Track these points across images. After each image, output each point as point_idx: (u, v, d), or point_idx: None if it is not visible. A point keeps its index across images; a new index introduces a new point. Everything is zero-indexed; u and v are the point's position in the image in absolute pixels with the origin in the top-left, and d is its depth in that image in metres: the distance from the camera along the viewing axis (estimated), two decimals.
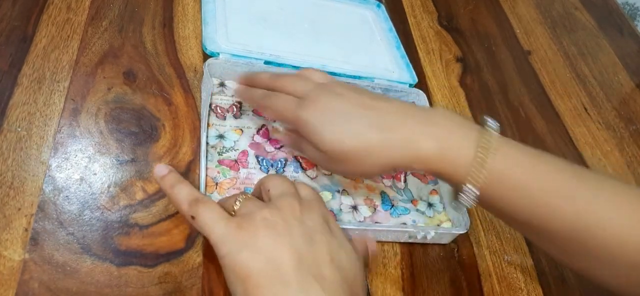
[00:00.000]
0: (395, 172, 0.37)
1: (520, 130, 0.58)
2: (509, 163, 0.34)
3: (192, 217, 0.31)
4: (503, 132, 0.57)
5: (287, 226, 0.30)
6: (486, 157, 0.34)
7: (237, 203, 0.32)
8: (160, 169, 0.33)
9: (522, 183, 0.34)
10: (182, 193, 0.32)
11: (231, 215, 0.31)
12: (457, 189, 0.36)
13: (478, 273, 0.43)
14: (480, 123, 0.37)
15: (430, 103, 0.54)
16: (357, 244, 0.34)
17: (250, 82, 0.44)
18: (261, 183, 0.35)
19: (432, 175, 0.37)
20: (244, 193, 0.34)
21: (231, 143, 0.44)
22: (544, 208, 0.34)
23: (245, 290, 0.28)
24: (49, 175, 0.37)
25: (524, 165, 0.35)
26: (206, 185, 0.39)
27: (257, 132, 0.46)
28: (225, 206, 0.32)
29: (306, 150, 0.40)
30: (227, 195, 0.37)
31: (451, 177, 0.36)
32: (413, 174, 0.48)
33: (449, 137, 0.35)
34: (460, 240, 0.45)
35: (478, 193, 0.34)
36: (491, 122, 0.36)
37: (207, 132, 0.43)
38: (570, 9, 0.82)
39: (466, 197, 0.35)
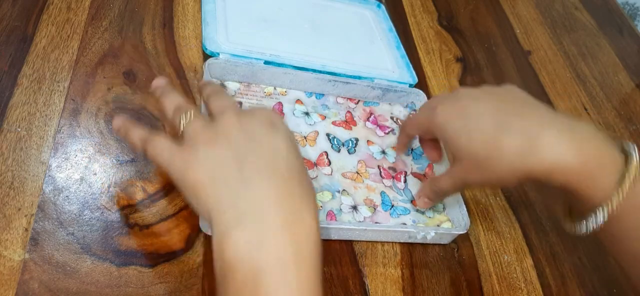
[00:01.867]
0: (530, 182, 0.35)
1: None
2: None
3: (145, 151, 0.32)
4: None
5: (226, 135, 0.30)
6: (634, 184, 0.32)
7: (182, 123, 0.32)
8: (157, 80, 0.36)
9: None
10: (134, 134, 0.33)
11: (178, 132, 0.32)
12: (581, 212, 0.35)
13: (478, 273, 0.43)
14: (622, 146, 0.34)
15: None
16: None
17: None
18: (205, 102, 0.35)
19: (564, 190, 0.34)
20: (189, 110, 0.32)
21: None
22: None
23: (198, 201, 0.29)
24: (49, 175, 0.37)
25: None
26: None
27: None
28: (174, 124, 0.33)
29: (440, 190, 0.41)
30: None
31: (587, 197, 0.33)
32: (413, 174, 0.48)
33: (594, 153, 0.33)
34: (460, 240, 0.45)
35: (606, 219, 0.33)
36: (635, 149, 0.33)
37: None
38: (570, 9, 0.82)
39: (593, 220, 0.33)
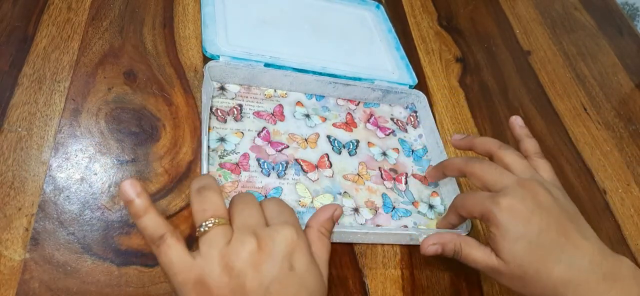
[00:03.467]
0: None
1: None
2: None
3: (154, 251, 0.29)
4: (503, 133, 0.57)
5: (241, 287, 0.28)
6: None
7: (202, 228, 0.29)
8: (128, 190, 0.28)
9: None
10: (149, 225, 0.28)
11: (197, 236, 0.29)
12: None
13: (478, 273, 0.43)
14: None
15: (430, 104, 0.54)
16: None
17: (469, 147, 0.43)
18: (230, 206, 0.31)
19: None
20: (217, 215, 0.29)
21: (232, 147, 0.44)
22: None
23: None
24: (50, 175, 0.37)
25: None
26: None
27: (258, 135, 0.46)
28: (196, 220, 0.30)
29: (468, 258, 0.38)
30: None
31: None
32: (414, 176, 0.49)
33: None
34: None
35: None
36: None
37: (208, 135, 0.43)
38: (569, 9, 0.82)
39: None
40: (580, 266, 0.34)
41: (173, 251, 0.28)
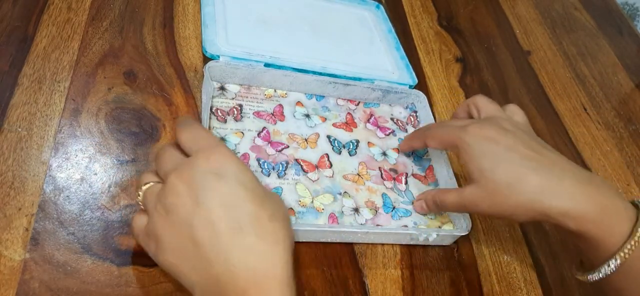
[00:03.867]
0: (539, 220, 0.36)
1: None
2: None
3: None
4: None
5: (176, 212, 0.29)
6: None
7: (138, 196, 0.32)
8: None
9: None
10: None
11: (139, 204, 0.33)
12: (591, 260, 0.36)
13: (478, 273, 0.43)
14: (634, 201, 0.36)
15: (430, 104, 0.54)
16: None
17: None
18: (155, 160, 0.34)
19: (578, 238, 0.36)
20: (143, 182, 0.32)
21: (232, 147, 0.44)
22: None
23: (181, 279, 0.30)
24: (50, 175, 0.37)
25: None
26: None
27: (258, 135, 0.46)
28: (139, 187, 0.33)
29: (444, 203, 0.40)
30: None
31: (599, 245, 0.35)
32: (414, 176, 0.49)
33: (608, 204, 0.35)
34: (460, 240, 0.45)
35: (617, 267, 0.34)
36: None
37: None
38: (569, 9, 0.82)
39: (604, 270, 0.34)
40: (554, 174, 0.35)
41: (135, 220, 0.32)
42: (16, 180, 0.36)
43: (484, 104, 0.42)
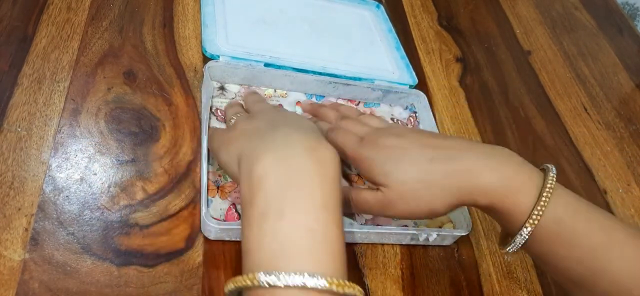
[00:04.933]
0: (456, 208, 0.36)
1: (520, 130, 0.58)
2: (569, 210, 0.34)
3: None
4: (503, 133, 0.57)
5: (260, 114, 0.39)
6: (549, 201, 0.33)
7: (232, 121, 0.40)
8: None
9: (578, 233, 0.34)
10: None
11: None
12: (508, 231, 0.36)
13: (478, 273, 0.43)
14: (542, 167, 0.36)
15: (431, 104, 0.54)
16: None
17: (314, 113, 0.49)
18: (246, 108, 0.45)
19: (490, 212, 0.37)
20: (239, 110, 0.43)
21: None
22: (591, 263, 0.33)
23: (228, 153, 0.35)
24: (49, 175, 0.37)
25: (581, 215, 0.34)
26: (208, 189, 0.39)
27: None
28: (228, 115, 0.43)
29: (359, 200, 0.39)
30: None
31: (510, 215, 0.35)
32: None
33: (512, 174, 0.35)
34: (461, 240, 0.45)
35: (529, 235, 0.34)
36: (552, 168, 0.35)
37: (208, 136, 0.43)
38: (570, 9, 0.82)
39: (519, 239, 0.34)
40: (455, 157, 0.36)
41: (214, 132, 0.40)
42: (16, 180, 0.36)
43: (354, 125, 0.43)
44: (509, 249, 0.35)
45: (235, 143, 0.35)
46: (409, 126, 0.53)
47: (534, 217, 0.33)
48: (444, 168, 0.35)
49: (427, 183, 0.35)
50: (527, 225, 0.34)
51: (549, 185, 0.34)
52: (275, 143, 0.32)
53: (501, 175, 0.35)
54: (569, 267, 0.34)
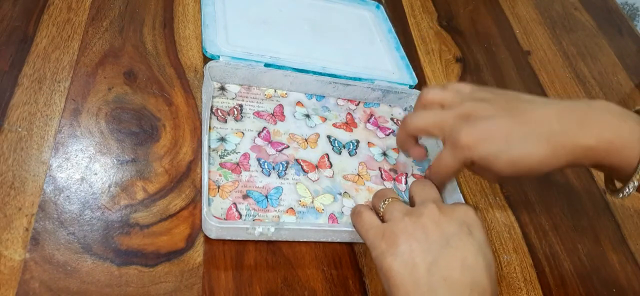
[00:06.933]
0: (559, 168, 0.38)
1: None
2: None
3: (352, 220, 0.38)
4: None
5: (424, 233, 0.33)
6: None
7: (383, 205, 0.36)
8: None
9: None
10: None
11: (379, 213, 0.36)
12: (618, 179, 0.38)
13: None
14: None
15: None
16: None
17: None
18: (409, 189, 0.39)
19: (597, 169, 0.38)
20: (391, 195, 0.37)
21: (232, 146, 0.44)
22: None
23: (389, 287, 0.32)
24: (50, 175, 0.37)
25: None
26: (209, 189, 0.39)
27: (258, 135, 0.46)
28: (375, 202, 0.38)
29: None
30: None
31: (618, 170, 0.36)
32: (414, 176, 0.49)
33: (613, 132, 0.36)
34: None
35: (635, 189, 0.36)
36: None
37: (208, 135, 0.43)
38: (569, 9, 0.82)
39: (627, 191, 0.36)
40: (552, 131, 0.36)
41: (364, 216, 0.36)
42: (16, 180, 0.36)
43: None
44: (618, 196, 0.37)
45: (395, 275, 0.32)
46: None
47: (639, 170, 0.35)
48: (550, 148, 0.36)
49: (538, 166, 0.36)
50: (634, 180, 0.35)
51: None
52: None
53: (601, 137, 0.36)
54: None
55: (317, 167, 0.45)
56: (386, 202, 0.36)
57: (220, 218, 0.39)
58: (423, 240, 0.32)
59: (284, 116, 0.48)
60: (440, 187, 0.41)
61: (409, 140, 0.42)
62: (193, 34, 0.52)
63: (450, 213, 0.34)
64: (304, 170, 0.45)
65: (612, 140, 0.35)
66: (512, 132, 0.36)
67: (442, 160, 0.38)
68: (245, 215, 0.40)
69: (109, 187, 0.38)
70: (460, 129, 0.37)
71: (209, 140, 0.43)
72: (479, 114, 0.37)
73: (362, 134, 0.50)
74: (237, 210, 0.40)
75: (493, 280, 0.33)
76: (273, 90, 0.50)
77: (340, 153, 0.47)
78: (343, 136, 0.49)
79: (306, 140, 0.47)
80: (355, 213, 0.37)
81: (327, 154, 0.47)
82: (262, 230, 0.37)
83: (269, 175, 0.43)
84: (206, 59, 0.49)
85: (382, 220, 0.36)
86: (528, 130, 0.36)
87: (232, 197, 0.40)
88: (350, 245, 0.41)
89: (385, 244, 0.33)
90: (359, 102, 0.53)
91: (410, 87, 0.55)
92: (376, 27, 0.62)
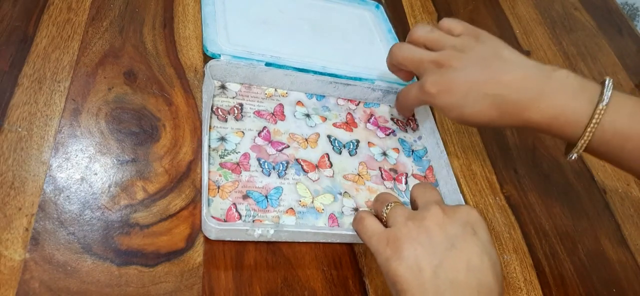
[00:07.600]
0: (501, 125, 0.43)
1: (519, 129, 0.58)
2: (624, 118, 0.38)
3: (354, 227, 0.38)
4: (502, 132, 0.57)
5: (428, 236, 0.33)
6: (601, 117, 0.38)
7: (385, 210, 0.36)
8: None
9: (636, 135, 0.38)
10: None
11: (381, 219, 0.36)
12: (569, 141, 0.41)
13: None
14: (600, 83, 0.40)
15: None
16: None
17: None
18: (410, 193, 0.39)
19: (545, 133, 0.42)
20: (393, 199, 0.37)
21: (233, 146, 0.44)
22: None
23: (397, 293, 0.32)
24: (50, 175, 0.37)
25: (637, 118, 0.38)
26: (208, 189, 0.39)
27: (259, 135, 0.46)
28: (377, 207, 0.37)
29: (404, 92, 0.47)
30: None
31: (563, 136, 0.40)
32: (414, 176, 0.49)
33: (560, 109, 0.39)
34: None
35: (584, 148, 0.39)
36: (607, 84, 0.38)
37: (208, 135, 0.43)
38: (569, 9, 0.82)
39: (570, 156, 0.40)
40: (509, 98, 0.40)
41: (367, 222, 0.36)
42: (16, 180, 0.36)
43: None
44: (568, 158, 0.41)
45: (401, 280, 0.32)
46: (410, 125, 0.53)
47: (588, 131, 0.38)
48: (501, 113, 0.40)
49: (487, 124, 0.42)
50: (574, 152, 0.40)
51: (605, 97, 0.38)
52: None
53: (544, 114, 0.39)
54: (633, 166, 0.40)
55: (317, 166, 0.45)
56: (389, 207, 0.36)
57: (220, 219, 0.39)
58: (427, 243, 0.32)
59: (284, 115, 0.48)
60: (405, 113, 0.51)
61: (393, 67, 0.48)
62: (193, 34, 0.52)
63: (453, 215, 0.34)
64: (304, 170, 0.45)
65: (557, 117, 0.39)
66: (472, 89, 0.41)
67: (409, 92, 0.46)
68: (245, 216, 0.40)
69: (109, 187, 0.38)
70: (428, 77, 0.43)
71: (209, 139, 0.43)
72: (451, 65, 0.42)
73: (362, 134, 0.50)
74: (237, 211, 0.40)
75: (499, 278, 0.33)
76: (273, 89, 0.50)
77: (340, 153, 0.47)
78: (343, 136, 0.49)
79: (306, 139, 0.47)
80: (358, 219, 0.37)
81: (327, 154, 0.47)
82: (262, 232, 0.37)
83: (269, 175, 0.43)
84: (207, 58, 0.49)
85: (385, 225, 0.35)
86: (486, 91, 0.40)
87: (232, 197, 0.40)
88: (350, 245, 0.41)
89: (390, 250, 0.33)
90: (359, 102, 0.53)
91: None
92: (376, 27, 0.62)
